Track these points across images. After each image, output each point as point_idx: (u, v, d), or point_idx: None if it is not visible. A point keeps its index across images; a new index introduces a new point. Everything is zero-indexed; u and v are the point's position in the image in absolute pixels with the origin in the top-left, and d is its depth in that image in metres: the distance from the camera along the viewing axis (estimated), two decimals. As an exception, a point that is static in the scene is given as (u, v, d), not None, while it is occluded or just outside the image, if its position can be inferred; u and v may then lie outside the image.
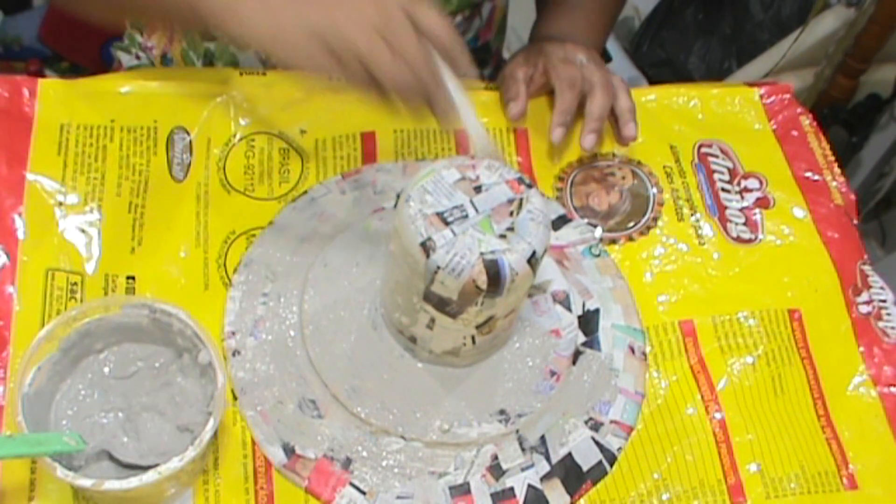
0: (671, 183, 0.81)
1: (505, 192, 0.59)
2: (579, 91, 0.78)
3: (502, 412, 0.65)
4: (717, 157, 0.83)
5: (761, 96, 0.89)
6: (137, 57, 0.95)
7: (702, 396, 0.70)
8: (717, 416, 0.69)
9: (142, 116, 0.75)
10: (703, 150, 0.84)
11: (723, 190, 0.81)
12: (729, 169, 0.83)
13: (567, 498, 0.64)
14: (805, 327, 0.74)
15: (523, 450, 0.65)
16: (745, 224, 0.79)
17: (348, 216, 0.74)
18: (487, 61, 1.01)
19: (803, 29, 1.48)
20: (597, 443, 0.66)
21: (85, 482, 0.53)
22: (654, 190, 0.80)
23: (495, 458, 0.64)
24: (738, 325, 0.73)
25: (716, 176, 0.82)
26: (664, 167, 0.82)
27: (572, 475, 0.65)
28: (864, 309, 0.76)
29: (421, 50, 0.56)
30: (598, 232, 0.77)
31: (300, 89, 0.79)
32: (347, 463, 0.63)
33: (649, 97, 0.87)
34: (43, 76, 0.77)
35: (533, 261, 0.58)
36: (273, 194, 0.74)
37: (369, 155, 0.78)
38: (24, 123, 0.72)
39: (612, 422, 0.67)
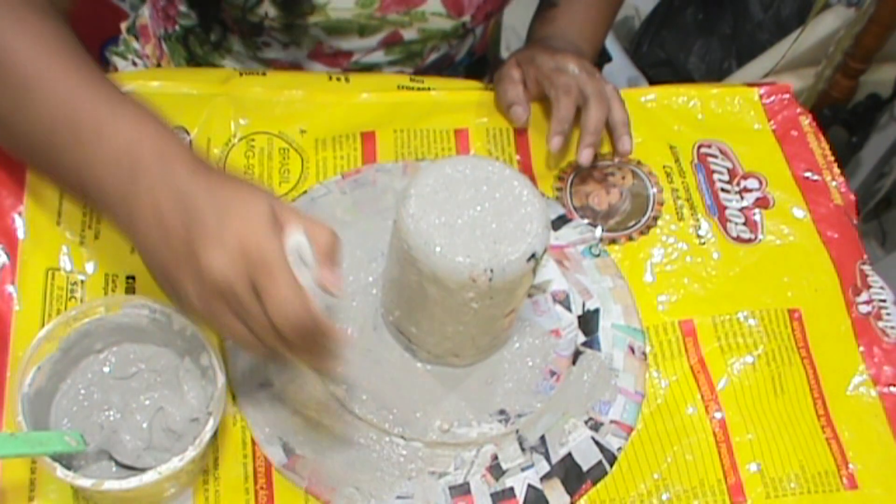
0: (671, 183, 0.81)
1: (506, 192, 0.59)
2: (575, 98, 0.78)
3: (502, 412, 0.65)
4: (716, 157, 0.83)
5: (761, 96, 0.89)
6: (134, 63, 0.96)
7: (702, 396, 0.70)
8: (717, 415, 0.69)
9: (142, 116, 0.75)
10: (703, 150, 0.84)
11: (722, 190, 0.81)
12: (728, 169, 0.83)
13: (567, 498, 0.64)
14: (805, 327, 0.74)
15: (523, 450, 0.65)
16: (744, 224, 0.79)
17: (348, 216, 0.74)
18: (484, 72, 1.01)
19: (803, 29, 1.48)
20: (597, 443, 0.66)
21: (85, 482, 0.53)
22: (654, 190, 0.80)
23: (495, 458, 0.64)
24: (738, 325, 0.73)
25: (715, 176, 0.82)
26: (664, 167, 0.82)
27: (572, 475, 0.65)
28: (863, 309, 0.76)
29: (267, 331, 0.52)
30: (598, 232, 0.77)
31: (300, 89, 0.79)
32: (347, 463, 0.63)
33: (649, 97, 0.87)
34: (43, 76, 0.77)
35: (533, 261, 0.58)
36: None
37: (369, 155, 0.78)
38: (24, 123, 0.72)
39: (612, 422, 0.67)
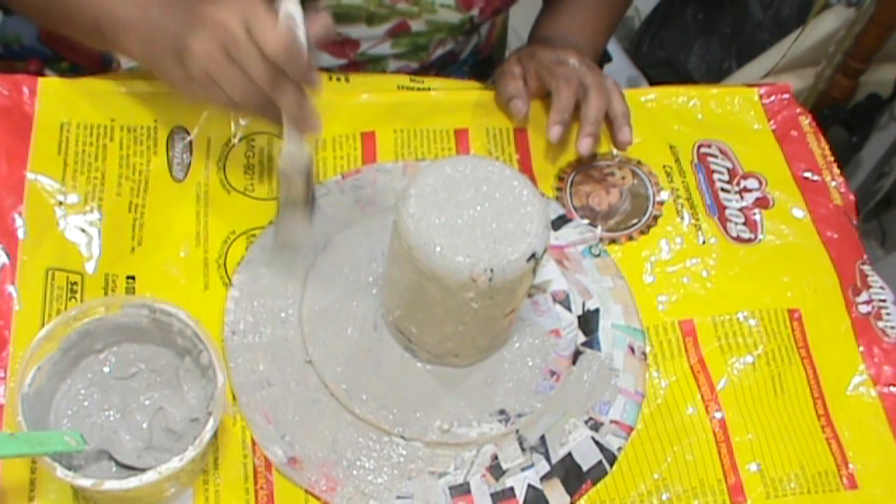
0: (671, 182, 0.81)
1: (506, 192, 0.59)
2: (575, 89, 0.78)
3: (502, 412, 0.65)
4: (716, 157, 0.83)
5: (761, 96, 0.89)
6: None
7: (702, 396, 0.70)
8: (717, 415, 0.69)
9: (142, 116, 0.75)
10: (703, 150, 0.84)
11: (722, 190, 0.81)
12: (728, 169, 0.83)
13: (567, 498, 0.64)
14: (805, 327, 0.74)
15: (523, 450, 0.65)
16: (744, 224, 0.79)
17: (348, 216, 0.74)
18: (489, 73, 1.01)
19: (803, 29, 1.48)
20: (597, 443, 0.66)
21: (85, 482, 0.53)
22: (654, 189, 0.80)
23: (495, 458, 0.64)
24: (738, 325, 0.73)
25: (715, 176, 0.82)
26: (664, 167, 0.82)
27: (572, 475, 0.65)
28: (863, 309, 0.76)
29: (260, 64, 0.61)
30: (598, 231, 0.77)
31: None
32: (347, 463, 0.63)
33: (649, 97, 0.87)
34: (43, 76, 0.76)
35: (533, 261, 0.58)
36: (273, 194, 0.74)
37: (369, 155, 0.78)
38: (25, 122, 0.72)
39: (612, 422, 0.67)
